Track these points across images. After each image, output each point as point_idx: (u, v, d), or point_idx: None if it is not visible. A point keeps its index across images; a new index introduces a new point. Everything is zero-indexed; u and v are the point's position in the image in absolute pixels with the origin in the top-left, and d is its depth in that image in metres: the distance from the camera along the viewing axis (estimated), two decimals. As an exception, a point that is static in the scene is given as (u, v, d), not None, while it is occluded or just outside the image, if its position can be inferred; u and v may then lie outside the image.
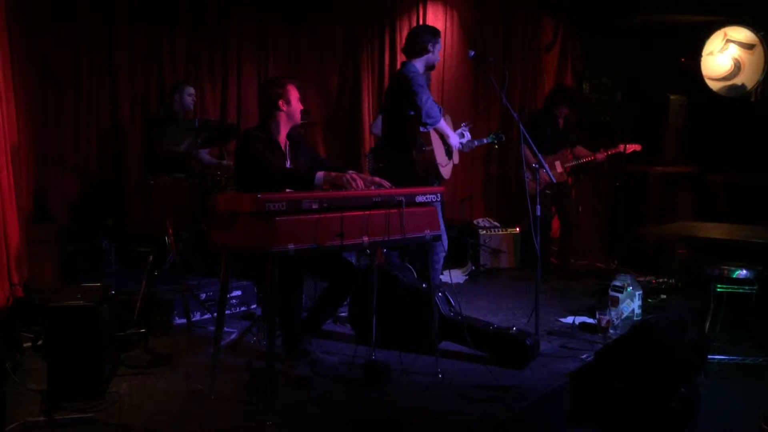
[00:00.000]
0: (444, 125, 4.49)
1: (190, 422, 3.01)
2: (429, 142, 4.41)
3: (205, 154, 5.79)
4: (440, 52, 4.66)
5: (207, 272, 4.90)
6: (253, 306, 4.93)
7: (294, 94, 3.70)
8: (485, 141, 5.06)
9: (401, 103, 4.42)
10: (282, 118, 3.69)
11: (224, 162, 5.72)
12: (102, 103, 5.67)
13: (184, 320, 4.36)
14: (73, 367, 3.17)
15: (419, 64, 4.51)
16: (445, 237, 4.49)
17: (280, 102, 3.66)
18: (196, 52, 6.09)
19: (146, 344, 3.91)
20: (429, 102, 4.32)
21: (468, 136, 4.77)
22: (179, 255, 4.68)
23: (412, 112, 4.33)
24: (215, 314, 4.46)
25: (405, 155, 4.46)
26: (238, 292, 4.85)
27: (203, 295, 4.62)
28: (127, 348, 3.85)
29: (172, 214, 4.73)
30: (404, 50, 4.61)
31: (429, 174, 4.42)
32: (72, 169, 5.55)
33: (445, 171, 4.54)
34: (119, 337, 3.76)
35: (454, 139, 4.55)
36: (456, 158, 4.73)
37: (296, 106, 3.72)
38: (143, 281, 4.11)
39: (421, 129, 4.40)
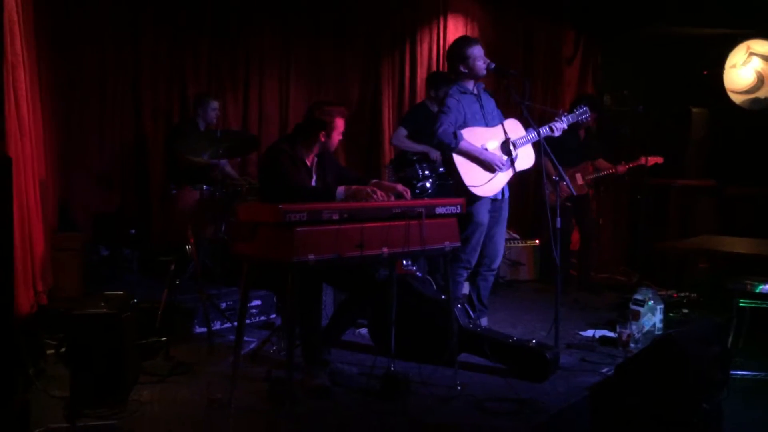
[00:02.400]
0: (468, 145, 4.33)
1: (209, 431, 3.02)
2: (453, 167, 4.36)
3: (226, 165, 5.84)
4: (480, 59, 4.43)
5: (227, 282, 4.94)
6: (273, 316, 4.96)
7: (339, 128, 3.71)
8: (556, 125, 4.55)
9: None
10: (316, 145, 3.72)
11: (244, 177, 5.75)
12: (126, 115, 5.76)
13: (204, 329, 4.40)
14: (95, 374, 3.20)
15: (465, 83, 4.48)
16: (476, 254, 4.49)
17: (321, 133, 3.68)
18: (218, 64, 6.16)
19: (167, 352, 3.95)
20: (441, 128, 4.29)
21: (558, 127, 4.49)
22: (200, 264, 4.72)
23: (435, 141, 4.35)
24: (235, 323, 4.51)
25: (449, 177, 4.52)
26: (257, 302, 4.89)
27: (223, 305, 4.66)
28: (148, 356, 3.88)
29: (194, 224, 4.78)
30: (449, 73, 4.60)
31: (465, 196, 4.22)
32: (96, 180, 5.63)
33: (483, 189, 4.38)
34: (141, 345, 3.79)
35: (490, 156, 4.37)
36: (523, 164, 4.52)
37: (336, 139, 3.73)
38: (165, 290, 4.15)
39: (440, 156, 4.43)
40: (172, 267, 4.23)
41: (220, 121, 5.97)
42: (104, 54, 5.55)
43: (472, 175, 4.38)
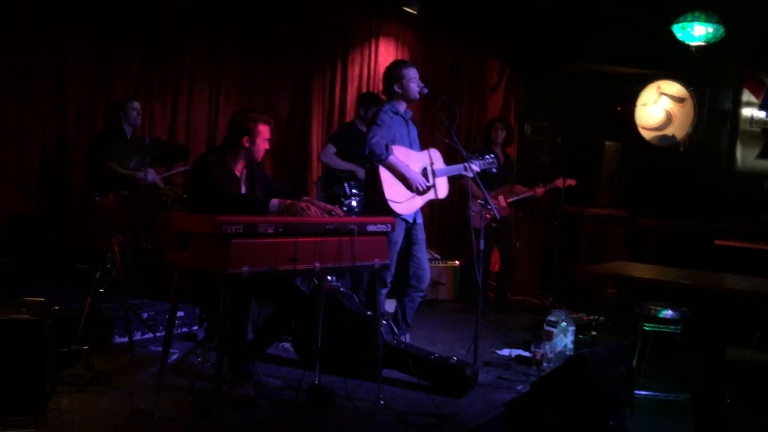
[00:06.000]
0: (395, 161, 4.44)
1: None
2: (377, 179, 4.45)
3: (151, 174, 5.75)
4: (414, 81, 4.57)
5: (149, 292, 4.87)
6: (195, 327, 4.91)
7: (263, 134, 3.71)
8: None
9: None
10: (241, 152, 3.73)
11: (170, 187, 5.68)
12: (48, 116, 5.59)
13: (124, 339, 4.33)
14: (14, 381, 3.11)
15: (397, 104, 4.60)
16: (390, 272, 4.58)
17: (245, 138, 3.68)
18: (147, 71, 6.08)
19: (88, 361, 3.86)
20: (375, 138, 4.37)
21: (474, 169, 4.69)
22: (122, 273, 4.64)
23: (367, 149, 4.41)
24: (157, 334, 4.46)
25: (367, 191, 4.62)
26: (180, 313, 4.83)
27: (145, 315, 4.59)
28: (67, 365, 3.79)
29: (118, 232, 4.70)
30: (383, 92, 4.73)
31: (382, 211, 4.40)
32: (13, 181, 5.45)
33: (402, 207, 4.49)
34: (60, 354, 3.70)
35: (413, 175, 4.50)
36: (440, 193, 4.69)
37: (260, 145, 3.72)
38: (88, 298, 4.07)
39: (367, 165, 4.53)
40: (97, 275, 4.15)
41: (146, 128, 5.89)
42: (29, 56, 5.39)
43: (394, 190, 4.49)
